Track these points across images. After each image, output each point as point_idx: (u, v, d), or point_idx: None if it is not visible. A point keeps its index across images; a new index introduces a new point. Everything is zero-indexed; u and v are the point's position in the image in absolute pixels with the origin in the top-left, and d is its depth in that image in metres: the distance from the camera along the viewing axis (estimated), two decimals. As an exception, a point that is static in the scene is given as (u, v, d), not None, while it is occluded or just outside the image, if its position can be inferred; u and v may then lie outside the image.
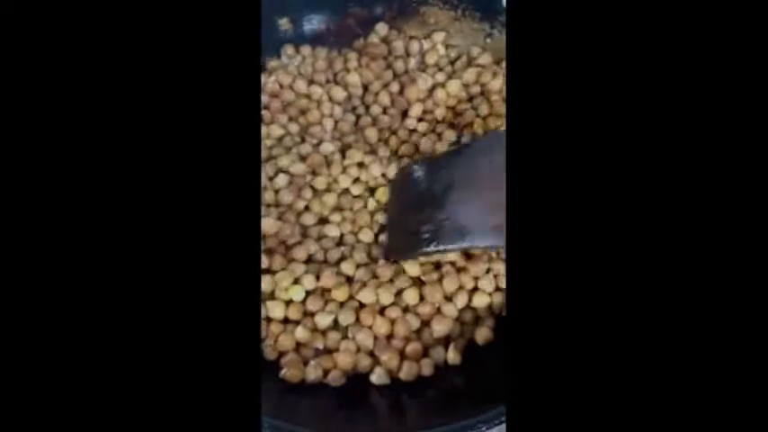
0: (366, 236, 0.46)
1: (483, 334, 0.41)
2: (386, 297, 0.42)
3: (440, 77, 0.53)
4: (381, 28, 0.55)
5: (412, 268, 0.42)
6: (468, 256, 0.42)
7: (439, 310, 0.42)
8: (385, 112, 0.52)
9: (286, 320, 0.43)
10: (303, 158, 0.49)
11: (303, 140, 0.51)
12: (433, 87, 0.52)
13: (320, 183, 0.48)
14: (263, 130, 0.51)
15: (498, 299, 0.42)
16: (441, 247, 0.39)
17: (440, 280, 0.42)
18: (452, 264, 0.42)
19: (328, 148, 0.50)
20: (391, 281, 0.43)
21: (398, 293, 0.42)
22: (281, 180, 0.48)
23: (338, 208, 0.47)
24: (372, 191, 0.48)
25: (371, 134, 0.51)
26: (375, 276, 0.43)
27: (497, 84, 0.51)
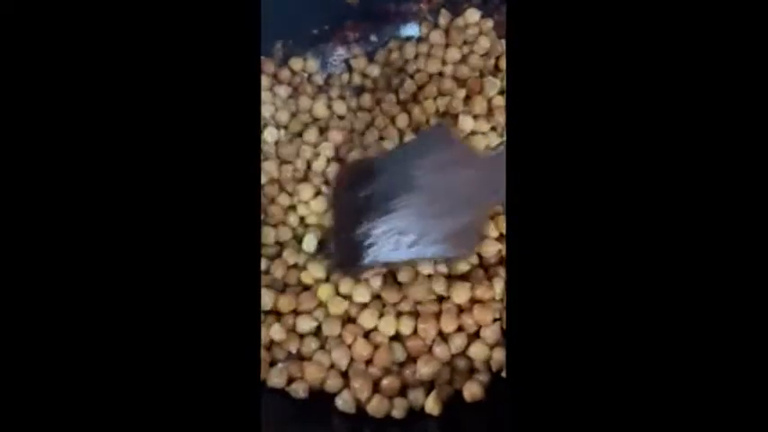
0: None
1: (472, 389, 0.35)
2: (368, 319, 0.37)
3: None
4: (472, 14, 0.49)
5: (349, 288, 0.38)
6: (475, 300, 0.37)
7: (430, 349, 0.37)
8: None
9: (269, 313, 0.39)
10: (365, 149, 0.46)
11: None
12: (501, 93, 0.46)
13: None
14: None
15: (500, 355, 0.36)
16: (382, 260, 0.35)
17: (438, 315, 0.37)
18: (458, 305, 0.37)
19: (388, 145, 0.45)
20: (394, 304, 0.38)
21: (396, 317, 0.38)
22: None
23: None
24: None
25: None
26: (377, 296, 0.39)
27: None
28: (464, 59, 0.48)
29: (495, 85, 0.46)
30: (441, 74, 0.48)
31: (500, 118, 0.44)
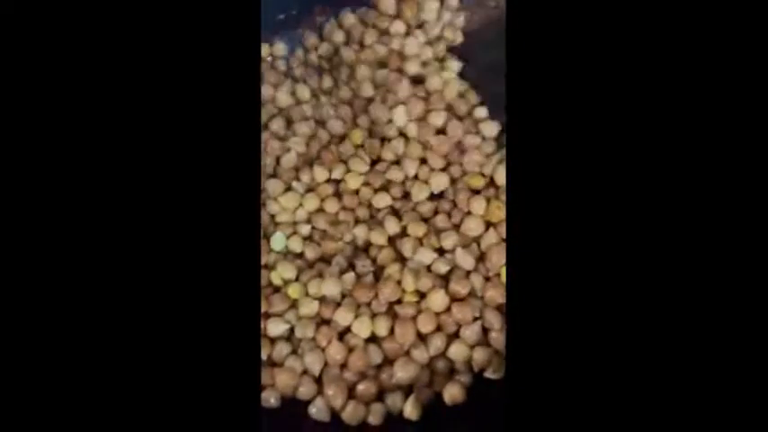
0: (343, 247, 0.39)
1: (453, 392, 0.34)
2: (344, 315, 0.35)
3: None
4: None
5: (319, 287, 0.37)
6: (454, 297, 0.35)
7: (407, 352, 0.35)
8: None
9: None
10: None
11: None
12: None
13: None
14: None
15: (481, 355, 0.34)
16: None
17: (415, 317, 0.35)
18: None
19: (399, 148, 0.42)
20: (368, 304, 0.36)
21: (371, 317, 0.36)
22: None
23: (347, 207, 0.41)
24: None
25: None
26: (348, 294, 0.37)
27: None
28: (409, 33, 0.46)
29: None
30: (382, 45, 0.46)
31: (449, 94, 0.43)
